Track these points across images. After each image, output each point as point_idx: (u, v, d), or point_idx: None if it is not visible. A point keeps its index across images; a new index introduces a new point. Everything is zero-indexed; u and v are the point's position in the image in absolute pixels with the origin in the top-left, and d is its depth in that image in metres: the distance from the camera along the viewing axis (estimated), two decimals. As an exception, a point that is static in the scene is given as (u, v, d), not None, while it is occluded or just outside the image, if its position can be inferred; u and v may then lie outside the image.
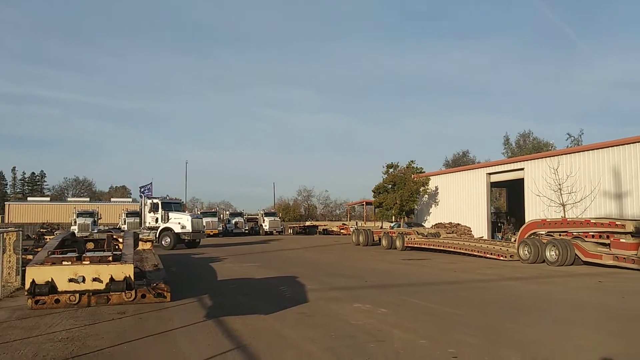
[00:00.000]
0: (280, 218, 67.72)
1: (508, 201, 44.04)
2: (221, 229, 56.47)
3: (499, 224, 37.80)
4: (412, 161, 39.60)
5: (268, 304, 10.44)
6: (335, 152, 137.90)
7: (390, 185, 38.42)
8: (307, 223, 72.90)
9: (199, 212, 60.87)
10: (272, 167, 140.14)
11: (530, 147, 64.28)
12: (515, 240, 25.01)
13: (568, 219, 20.51)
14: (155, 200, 32.64)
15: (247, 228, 60.28)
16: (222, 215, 61.87)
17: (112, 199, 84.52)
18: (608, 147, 25.24)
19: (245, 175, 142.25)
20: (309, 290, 12.52)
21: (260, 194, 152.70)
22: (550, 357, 6.42)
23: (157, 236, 30.70)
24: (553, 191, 26.27)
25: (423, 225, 34.91)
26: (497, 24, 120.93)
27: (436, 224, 34.68)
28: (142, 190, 35.28)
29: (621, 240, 17.17)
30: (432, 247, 25.70)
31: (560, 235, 19.56)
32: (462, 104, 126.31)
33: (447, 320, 8.91)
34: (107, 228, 38.72)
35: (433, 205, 38.08)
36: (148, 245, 17.83)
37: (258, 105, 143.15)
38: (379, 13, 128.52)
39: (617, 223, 17.69)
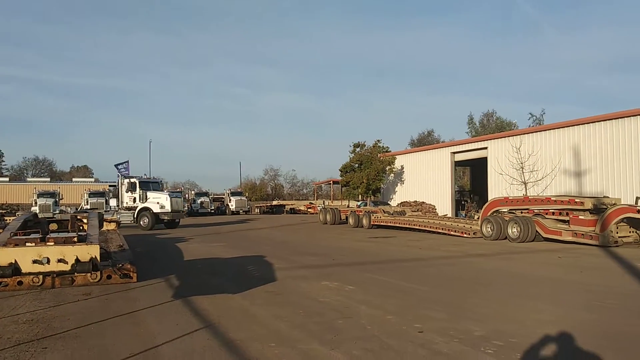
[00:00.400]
0: (247, 197, 67.47)
1: (471, 180, 44.88)
2: (186, 208, 55.99)
3: (463, 202, 38.52)
4: (378, 140, 39.93)
5: (236, 283, 10.43)
6: (302, 131, 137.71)
7: (357, 165, 38.67)
8: (274, 202, 72.84)
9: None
10: (238, 147, 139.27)
11: (494, 127, 65.45)
12: (478, 218, 25.62)
13: (530, 197, 21.06)
14: (132, 180, 31.59)
15: (213, 208, 59.88)
16: (187, 195, 61.21)
17: (74, 179, 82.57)
18: (568, 126, 25.89)
19: (211, 155, 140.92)
20: (277, 269, 12.57)
21: (226, 174, 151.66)
22: (511, 330, 6.60)
23: (135, 216, 30.27)
24: (515, 170, 26.90)
25: (389, 204, 35.30)
26: (462, 2, 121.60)
27: (402, 203, 35.14)
28: (118, 169, 33.93)
29: (580, 217, 17.75)
30: (398, 225, 26.08)
31: (521, 212, 20.09)
32: (427, 84, 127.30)
33: (413, 296, 9.09)
34: (75, 209, 37.96)
35: (399, 184, 38.51)
36: (113, 226, 17.55)
37: (224, 83, 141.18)
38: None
39: (576, 200, 18.26)
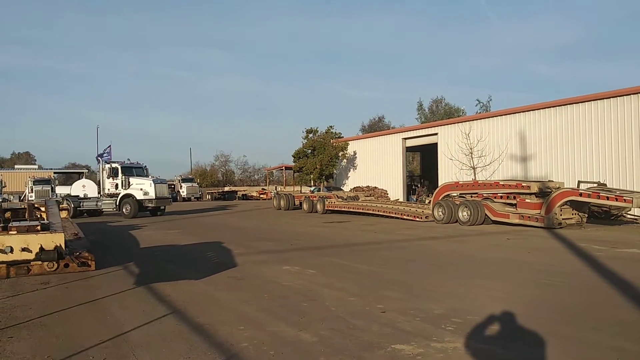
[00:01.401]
0: (198, 184, 66.76)
1: (422, 165, 45.89)
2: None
3: (413, 187, 39.39)
4: (331, 126, 40.24)
5: (196, 270, 10.46)
6: (253, 117, 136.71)
7: (310, 150, 38.87)
8: (226, 188, 72.39)
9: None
10: (188, 132, 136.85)
11: (443, 113, 66.89)
12: (429, 202, 26.33)
13: (479, 182, 21.81)
14: (114, 165, 30.23)
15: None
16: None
17: (16, 166, 79.33)
18: (514, 113, 26.85)
19: (160, 140, 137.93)
20: (236, 255, 12.64)
21: (175, 160, 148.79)
22: (467, 308, 6.96)
23: (117, 204, 28.98)
24: (465, 155, 27.72)
25: (342, 189, 35.73)
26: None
27: (354, 188, 35.62)
28: (100, 154, 32.58)
29: (526, 200, 18.56)
30: (351, 209, 26.50)
31: (471, 196, 20.82)
32: (376, 70, 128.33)
33: (372, 279, 9.38)
34: (19, 197, 36.40)
35: (351, 170, 38.97)
36: (64, 214, 17.09)
37: (172, 67, 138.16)
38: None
39: (523, 184, 19.06)
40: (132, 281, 9.41)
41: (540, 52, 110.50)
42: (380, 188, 34.73)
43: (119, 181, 29.35)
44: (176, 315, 6.90)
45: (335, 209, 27.53)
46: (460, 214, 20.22)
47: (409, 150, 36.36)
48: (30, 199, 35.87)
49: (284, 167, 62.10)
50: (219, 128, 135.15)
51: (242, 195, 66.29)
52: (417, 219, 22.16)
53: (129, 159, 31.29)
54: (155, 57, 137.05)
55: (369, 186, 35.26)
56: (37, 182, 43.36)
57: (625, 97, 21.48)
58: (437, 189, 23.03)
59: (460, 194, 21.64)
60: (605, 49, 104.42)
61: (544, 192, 18.28)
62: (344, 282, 9.01)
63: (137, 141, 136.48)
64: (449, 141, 29.64)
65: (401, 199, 32.80)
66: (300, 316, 6.73)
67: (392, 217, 23.47)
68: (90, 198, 30.96)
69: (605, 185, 19.54)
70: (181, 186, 60.25)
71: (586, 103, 23.19)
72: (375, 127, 73.76)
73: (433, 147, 32.26)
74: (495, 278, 9.31)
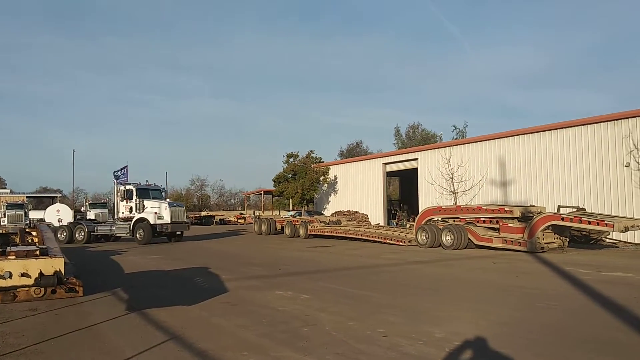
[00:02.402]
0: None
1: (401, 189, 46.22)
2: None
3: (393, 212, 39.62)
4: (311, 151, 40.39)
5: (188, 295, 10.32)
6: (230, 141, 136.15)
7: (290, 175, 38.88)
8: (203, 213, 71.69)
9: (86, 204, 57.66)
10: (163, 156, 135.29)
11: (419, 139, 67.71)
12: (410, 226, 26.53)
13: (462, 206, 22.06)
14: (129, 187, 28.16)
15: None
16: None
17: (-15, 190, 77.33)
18: (494, 139, 27.35)
19: (135, 164, 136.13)
20: (225, 280, 12.51)
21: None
22: (467, 332, 6.99)
23: (130, 228, 27.04)
24: (445, 180, 28.05)
25: (323, 214, 35.75)
26: (389, 17, 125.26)
27: (335, 212, 35.68)
28: (116, 175, 30.08)
29: (509, 224, 18.83)
30: (334, 234, 26.51)
31: (454, 221, 21.03)
32: (353, 95, 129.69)
33: (367, 303, 9.37)
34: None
35: (332, 194, 39.06)
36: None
37: (147, 91, 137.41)
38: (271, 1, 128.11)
39: (505, 209, 19.35)
40: (124, 307, 9.24)
41: (511, 80, 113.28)
42: (361, 212, 34.84)
43: (133, 204, 27.56)
44: (176, 341, 6.78)
45: (318, 233, 27.50)
46: (443, 238, 20.38)
47: (388, 175, 36.66)
48: (2, 223, 34.97)
49: (262, 192, 61.84)
50: (195, 152, 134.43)
51: (220, 219, 65.73)
52: (401, 243, 22.26)
53: (147, 181, 29.49)
54: (129, 80, 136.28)
55: (349, 210, 35.35)
56: (9, 206, 42.33)
57: (601, 123, 22.11)
58: (420, 214, 23.21)
59: (442, 218, 21.84)
60: (572, 78, 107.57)
61: (526, 216, 18.57)
62: (340, 306, 8.99)
63: (111, 165, 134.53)
64: (430, 166, 29.99)
65: (382, 223, 32.94)
66: (302, 341, 6.68)
67: (375, 242, 23.53)
68: (105, 222, 29.65)
69: (585, 209, 19.94)
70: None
71: (564, 129, 23.77)
72: (354, 152, 74.24)
73: (413, 172, 32.57)
74: (489, 302, 9.39)
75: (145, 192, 28.37)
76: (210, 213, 72.07)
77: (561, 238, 18.22)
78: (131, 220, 27.07)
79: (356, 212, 35.04)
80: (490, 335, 6.78)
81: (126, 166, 29.41)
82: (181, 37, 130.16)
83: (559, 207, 20.13)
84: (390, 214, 37.09)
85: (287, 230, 29.95)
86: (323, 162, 40.75)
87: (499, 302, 9.31)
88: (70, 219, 36.53)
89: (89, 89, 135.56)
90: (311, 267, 15.29)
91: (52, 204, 43.89)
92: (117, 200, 28.56)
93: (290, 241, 26.76)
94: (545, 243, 17.78)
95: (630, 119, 21.01)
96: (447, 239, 20.24)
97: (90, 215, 52.95)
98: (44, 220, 31.82)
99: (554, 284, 11.35)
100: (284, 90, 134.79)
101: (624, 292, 9.80)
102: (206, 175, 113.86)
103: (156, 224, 26.50)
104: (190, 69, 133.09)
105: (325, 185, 38.87)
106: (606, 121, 22.01)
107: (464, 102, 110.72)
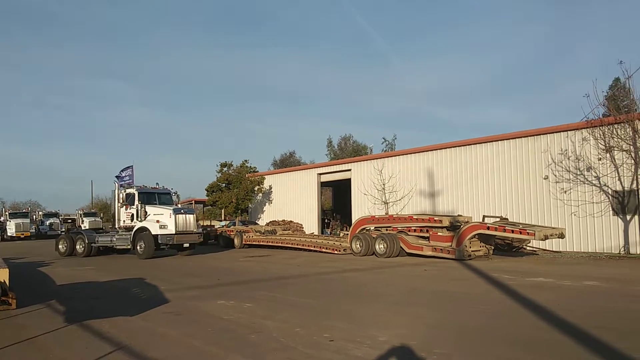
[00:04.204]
0: (101, 218, 63.77)
1: (334, 199, 46.93)
2: (34, 230, 51.92)
3: (327, 221, 40.17)
4: (246, 160, 40.27)
5: (128, 306, 10.20)
6: (160, 150, 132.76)
7: (224, 184, 38.61)
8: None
9: (6, 213, 54.75)
10: (87, 164, 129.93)
11: (351, 150, 68.97)
12: (343, 235, 27.08)
13: (394, 215, 22.81)
14: (129, 190, 24.12)
15: (63, 229, 55.85)
16: (34, 216, 56.56)
17: None
18: (423, 151, 28.45)
19: (56, 172, 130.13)
20: (165, 291, 12.41)
21: (73, 193, 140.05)
22: (409, 334, 7.42)
23: (131, 239, 23.08)
24: (377, 190, 28.88)
25: (257, 223, 35.73)
26: (322, 30, 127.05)
27: (270, 222, 35.75)
28: (119, 176, 25.96)
29: (439, 233, 19.70)
30: (270, 243, 26.61)
31: (387, 230, 21.73)
32: (287, 106, 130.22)
33: (310, 310, 9.66)
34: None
35: (267, 204, 39.14)
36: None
37: (72, 97, 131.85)
38: (204, 10, 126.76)
39: (435, 219, 20.24)
40: (62, 319, 9.04)
41: (439, 96, 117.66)
42: (296, 222, 35.13)
43: (134, 210, 23.54)
44: (124, 351, 6.78)
45: (253, 243, 27.51)
46: (377, 247, 21.01)
47: (322, 185, 37.20)
48: None
49: (193, 201, 60.89)
50: (123, 160, 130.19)
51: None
52: (336, 252, 22.71)
53: (157, 183, 25.64)
54: (48, 85, 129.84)
55: (284, 220, 35.55)
56: None
57: (522, 138, 23.58)
58: (355, 223, 23.78)
59: (376, 227, 22.49)
60: (494, 96, 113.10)
61: (455, 225, 19.52)
62: (285, 314, 9.20)
63: (30, 172, 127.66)
64: (363, 177, 30.75)
65: (316, 233, 33.37)
66: (252, 348, 6.85)
67: (311, 250, 23.87)
68: (108, 232, 25.82)
69: (507, 219, 21.14)
70: (83, 221, 57.18)
71: (488, 144, 25.13)
72: (287, 162, 74.49)
73: (346, 183, 33.25)
74: (424, 306, 9.91)
75: (151, 197, 24.35)
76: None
77: (487, 246, 19.27)
78: (132, 230, 23.28)
79: (291, 221, 35.29)
80: (429, 337, 7.24)
81: (131, 166, 25.37)
82: (112, 44, 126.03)
83: (483, 216, 21.26)
84: (324, 223, 37.59)
85: (221, 240, 29.75)
86: (257, 171, 40.76)
87: (434, 307, 9.85)
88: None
89: (13, 96, 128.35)
90: (250, 277, 15.39)
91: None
92: (116, 205, 24.70)
93: (226, 251, 26.61)
94: (472, 251, 18.74)
95: (548, 135, 22.56)
96: (380, 247, 20.89)
97: (11, 225, 50.49)
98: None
99: (483, 289, 12.08)
100: (216, 99, 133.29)
101: (546, 295, 10.60)
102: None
103: (159, 235, 22.32)
104: (121, 77, 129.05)
105: (260, 194, 38.88)
106: (527, 136, 23.50)
107: (393, 115, 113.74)
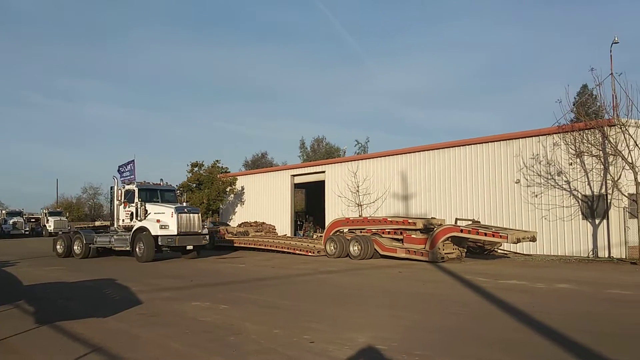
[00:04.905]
0: (66, 218, 62.41)
1: (307, 201, 46.83)
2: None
3: (299, 223, 40.05)
4: (217, 160, 39.90)
5: (101, 307, 9.95)
6: (130, 149, 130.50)
7: (195, 185, 38.18)
8: (97, 223, 68.19)
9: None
10: (51, 162, 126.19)
11: (324, 152, 69.02)
12: (317, 237, 27.05)
13: (368, 218, 22.88)
14: (129, 187, 22.28)
15: (27, 229, 54.45)
16: (-3, 215, 55.06)
17: None
18: (397, 154, 28.62)
19: (23, 171, 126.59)
20: (137, 292, 12.14)
21: (36, 191, 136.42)
22: (388, 336, 7.41)
23: (130, 241, 21.14)
24: (351, 192, 28.92)
25: (229, 224, 35.41)
26: (292, 32, 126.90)
27: (242, 223, 35.43)
28: (120, 171, 23.95)
29: (412, 236, 19.82)
30: (242, 245, 26.38)
31: (361, 232, 21.77)
32: (259, 107, 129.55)
33: (288, 312, 9.58)
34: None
35: (239, 205, 38.81)
36: None
37: (42, 95, 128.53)
38: (180, 8, 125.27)
39: (409, 221, 20.36)
40: (32, 320, 8.77)
41: (412, 98, 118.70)
42: (268, 223, 34.88)
43: (133, 209, 21.65)
44: (99, 352, 6.59)
45: (226, 245, 27.22)
46: (351, 249, 21.03)
47: (295, 187, 37.10)
48: None
49: (163, 201, 60.08)
50: (92, 159, 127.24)
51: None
52: (310, 254, 22.64)
53: (162, 180, 23.79)
54: (13, 80, 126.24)
55: (256, 221, 35.26)
56: None
57: (495, 142, 23.90)
58: (329, 225, 23.75)
59: (350, 229, 22.50)
60: (468, 99, 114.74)
61: (428, 228, 19.67)
62: (263, 316, 9.11)
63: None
64: (337, 179, 30.75)
65: (289, 234, 33.21)
66: (232, 349, 6.74)
67: (285, 252, 23.75)
68: (109, 232, 23.28)
69: (479, 222, 21.42)
70: (48, 220, 55.87)
71: (461, 147, 25.42)
72: (259, 163, 74.12)
73: (320, 184, 33.22)
74: (402, 308, 9.93)
75: (153, 194, 22.45)
76: (105, 223, 68.67)
77: (459, 249, 19.47)
78: (132, 230, 21.41)
79: (263, 222, 35.03)
80: (409, 339, 7.24)
81: (132, 160, 23.47)
82: (85, 41, 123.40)
83: (456, 219, 21.46)
84: (296, 225, 37.48)
85: (193, 241, 29.34)
86: (229, 172, 40.42)
87: (412, 309, 9.88)
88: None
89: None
90: (225, 279, 15.23)
91: None
92: (114, 203, 22.79)
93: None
94: (445, 253, 18.89)
95: (520, 139, 22.93)
96: (354, 249, 20.91)
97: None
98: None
99: (459, 291, 12.18)
100: (186, 98, 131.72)
101: (521, 298, 10.74)
102: (100, 183, 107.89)
103: (158, 235, 20.41)
104: (94, 76, 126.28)
105: (232, 195, 38.55)
106: (499, 140, 23.85)
107: (366, 117, 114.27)
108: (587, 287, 12.53)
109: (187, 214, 21.29)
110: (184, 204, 23.41)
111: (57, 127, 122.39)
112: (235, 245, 26.67)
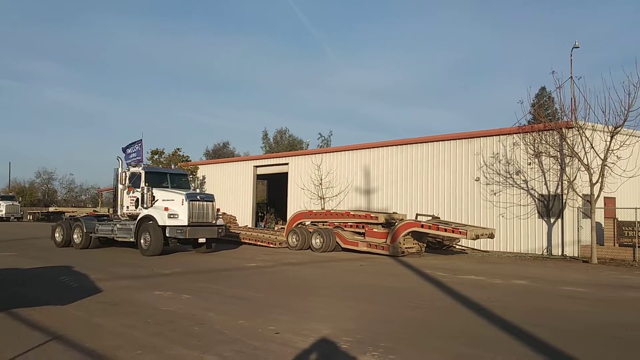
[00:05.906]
0: (19, 202, 60.48)
1: (269, 192, 46.68)
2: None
3: (261, 214, 39.91)
4: (178, 149, 39.40)
5: (58, 295, 9.70)
6: (86, 134, 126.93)
7: (155, 172, 37.50)
8: (51, 209, 66.43)
9: None
10: (3, 144, 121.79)
11: (287, 144, 68.82)
12: (278, 229, 27.02)
13: (331, 211, 22.99)
14: (134, 169, 19.85)
15: (-22, 214, 52.59)
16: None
17: None
18: (361, 149, 28.82)
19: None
20: (96, 280, 11.89)
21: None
22: (353, 327, 7.49)
23: (135, 231, 18.57)
24: (314, 185, 28.98)
25: (189, 214, 34.90)
26: (256, 22, 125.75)
27: (203, 213, 35.09)
28: (125, 152, 21.43)
29: (374, 230, 20.05)
30: (203, 235, 26.08)
31: (323, 224, 21.87)
32: (222, 96, 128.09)
33: (252, 302, 9.55)
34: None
35: (199, 194, 38.37)
36: None
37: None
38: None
39: (371, 215, 20.57)
40: (-16, 307, 8.46)
41: (377, 95, 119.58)
42: (229, 214, 34.58)
43: (139, 194, 19.16)
44: (59, 341, 6.44)
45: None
46: (313, 241, 21.11)
47: (258, 177, 36.92)
48: None
49: (121, 189, 58.83)
50: (47, 144, 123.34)
51: (70, 216, 61.21)
52: (272, 246, 22.62)
53: (174, 165, 20.54)
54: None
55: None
56: None
57: (457, 140, 24.34)
58: (291, 217, 23.77)
59: (312, 222, 22.57)
60: (431, 97, 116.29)
61: (390, 222, 19.92)
62: (226, 306, 9.06)
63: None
64: (300, 171, 30.76)
65: (250, 225, 33.05)
66: (196, 339, 6.69)
67: (247, 243, 23.64)
68: (112, 220, 20.74)
69: (439, 218, 21.79)
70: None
71: (424, 144, 25.77)
72: (220, 153, 73.34)
73: (283, 176, 33.16)
74: (365, 301, 10.04)
75: (162, 178, 20.00)
76: (60, 209, 66.81)
77: (419, 244, 19.79)
78: (136, 219, 18.91)
79: (224, 213, 34.66)
80: (373, 331, 7.33)
81: (140, 140, 21.00)
82: (45, 22, 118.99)
83: (417, 215, 21.80)
84: (258, 216, 37.33)
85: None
86: (190, 160, 39.89)
87: (375, 301, 10.00)
88: None
89: None
90: (186, 268, 15.06)
91: None
92: (117, 188, 20.32)
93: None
94: (405, 248, 19.18)
95: (481, 138, 23.42)
96: (316, 241, 20.99)
97: None
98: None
99: (420, 285, 12.40)
100: (147, 86, 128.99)
101: (479, 293, 11.01)
102: (54, 168, 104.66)
103: (165, 226, 18.09)
104: (53, 58, 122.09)
105: (193, 184, 38.06)
106: (461, 139, 24.30)
107: (330, 111, 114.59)
108: (543, 284, 12.93)
109: (200, 202, 18.94)
110: (197, 191, 21.43)
111: (11, 109, 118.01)
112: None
